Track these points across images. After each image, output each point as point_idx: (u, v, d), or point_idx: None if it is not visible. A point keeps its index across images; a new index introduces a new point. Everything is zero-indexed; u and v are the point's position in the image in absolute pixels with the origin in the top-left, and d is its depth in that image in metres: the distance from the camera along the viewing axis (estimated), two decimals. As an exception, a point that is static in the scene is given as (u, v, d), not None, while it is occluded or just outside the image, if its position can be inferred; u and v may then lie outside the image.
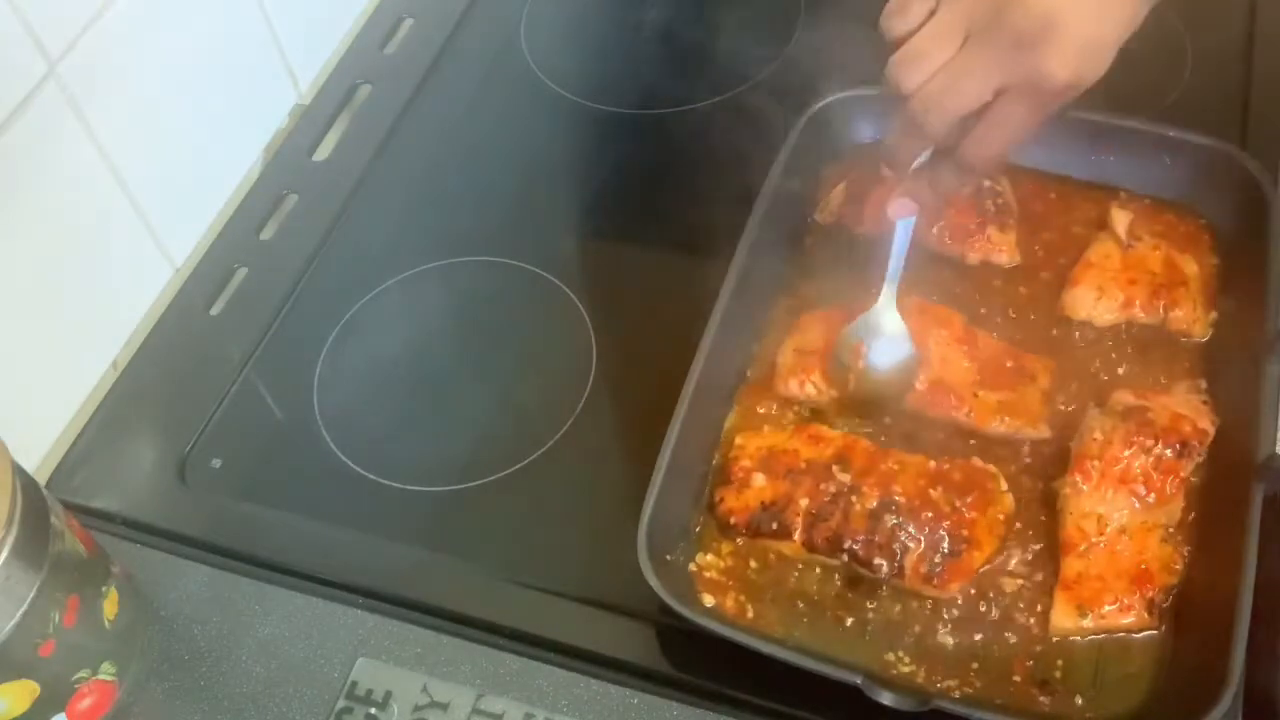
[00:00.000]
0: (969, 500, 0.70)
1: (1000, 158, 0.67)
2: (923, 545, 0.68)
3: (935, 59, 0.63)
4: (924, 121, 0.64)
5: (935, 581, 0.68)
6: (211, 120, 0.93)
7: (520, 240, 0.91)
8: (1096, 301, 0.78)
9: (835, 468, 0.71)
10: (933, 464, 0.72)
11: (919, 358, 0.75)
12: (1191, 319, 0.77)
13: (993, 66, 0.62)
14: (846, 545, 0.69)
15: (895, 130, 0.67)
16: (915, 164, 0.69)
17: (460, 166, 0.98)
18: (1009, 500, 0.71)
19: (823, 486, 0.71)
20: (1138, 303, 0.78)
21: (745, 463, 0.73)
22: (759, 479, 0.72)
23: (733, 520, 0.71)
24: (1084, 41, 0.61)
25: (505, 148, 0.99)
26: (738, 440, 0.75)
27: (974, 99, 0.63)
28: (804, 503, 0.70)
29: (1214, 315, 0.78)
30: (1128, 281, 0.78)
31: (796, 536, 0.70)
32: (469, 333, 0.88)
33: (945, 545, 0.68)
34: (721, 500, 0.72)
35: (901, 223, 0.73)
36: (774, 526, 0.70)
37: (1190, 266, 0.79)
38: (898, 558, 0.68)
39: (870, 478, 0.71)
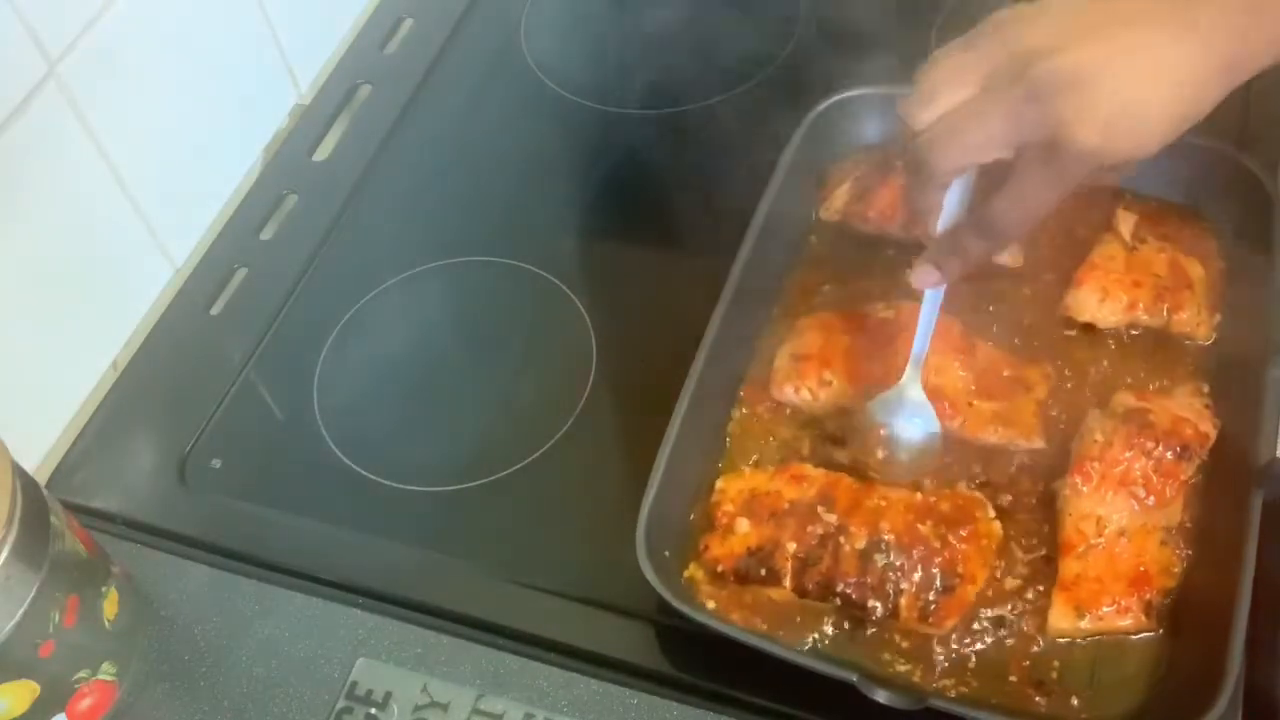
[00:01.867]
0: (959, 533, 0.68)
1: (1021, 226, 0.62)
2: (915, 584, 0.67)
3: (948, 100, 0.59)
4: (927, 162, 0.60)
5: (931, 619, 0.67)
6: (211, 120, 0.93)
7: (520, 240, 0.91)
8: (1100, 303, 0.78)
9: (820, 508, 0.70)
10: (918, 496, 0.70)
11: (942, 435, 0.72)
12: (1195, 322, 0.77)
13: (1006, 116, 0.57)
14: (839, 589, 0.67)
15: (908, 174, 0.64)
16: (940, 227, 0.65)
17: (460, 166, 0.99)
18: (997, 528, 0.70)
19: (810, 529, 0.69)
20: (1141, 305, 0.77)
21: (728, 508, 0.71)
22: (743, 524, 0.70)
23: (720, 568, 0.69)
24: (1121, 105, 0.55)
25: (505, 148, 0.99)
26: (718, 485, 0.73)
27: (981, 148, 0.59)
28: (791, 547, 0.69)
29: (1218, 318, 0.78)
30: (1132, 283, 0.78)
31: (786, 583, 0.68)
32: (469, 333, 0.88)
33: (938, 581, 0.67)
34: (707, 548, 0.70)
35: (929, 293, 0.69)
36: (762, 573, 0.69)
37: (1196, 269, 0.79)
38: (891, 598, 0.67)
39: (857, 516, 0.69)
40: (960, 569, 0.68)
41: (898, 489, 0.71)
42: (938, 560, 0.68)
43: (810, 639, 0.68)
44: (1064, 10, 0.58)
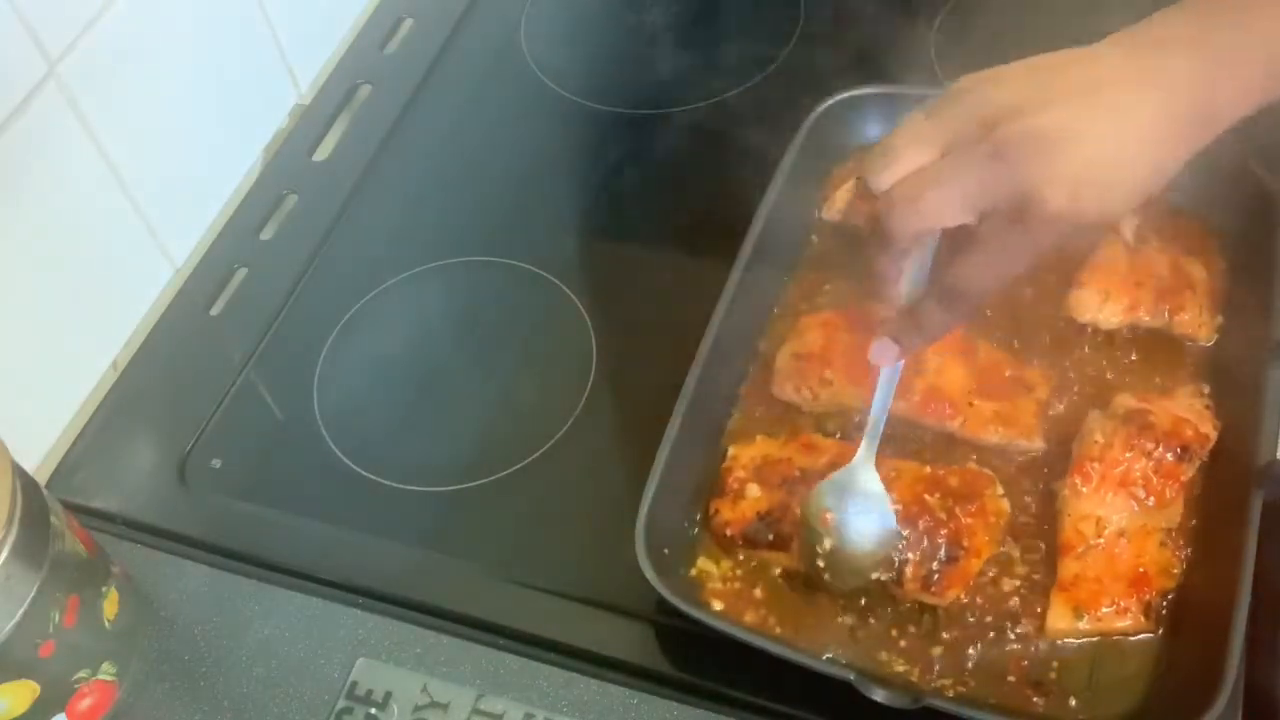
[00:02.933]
0: (966, 507, 0.69)
1: (985, 294, 0.59)
2: (920, 553, 0.68)
3: (910, 162, 0.57)
4: (888, 227, 0.58)
5: (933, 589, 0.67)
6: (211, 120, 0.93)
7: (520, 240, 0.91)
8: (1102, 304, 0.78)
9: None
10: (929, 469, 0.71)
11: (898, 530, 0.67)
12: (1197, 323, 0.77)
13: (970, 178, 0.56)
14: None
15: (870, 239, 0.61)
16: (901, 301, 0.63)
17: (460, 166, 0.99)
18: (1005, 506, 0.70)
19: None
20: (1143, 306, 0.77)
21: (739, 473, 0.72)
22: (753, 489, 0.71)
23: (729, 532, 0.70)
24: (1088, 166, 0.53)
25: (505, 148, 0.99)
26: (731, 451, 0.74)
27: (943, 211, 0.57)
28: (799, 512, 0.69)
29: (1219, 320, 0.78)
30: (1134, 284, 0.78)
31: (794, 548, 0.69)
32: (469, 333, 0.88)
33: (943, 552, 0.68)
34: (717, 512, 0.71)
35: (885, 370, 0.66)
36: (770, 538, 0.69)
37: (1198, 271, 0.79)
38: (895, 565, 0.68)
39: None
40: (965, 542, 0.68)
41: (907, 460, 0.71)
42: (943, 532, 0.68)
43: (826, 642, 0.68)
44: (1029, 75, 0.57)
